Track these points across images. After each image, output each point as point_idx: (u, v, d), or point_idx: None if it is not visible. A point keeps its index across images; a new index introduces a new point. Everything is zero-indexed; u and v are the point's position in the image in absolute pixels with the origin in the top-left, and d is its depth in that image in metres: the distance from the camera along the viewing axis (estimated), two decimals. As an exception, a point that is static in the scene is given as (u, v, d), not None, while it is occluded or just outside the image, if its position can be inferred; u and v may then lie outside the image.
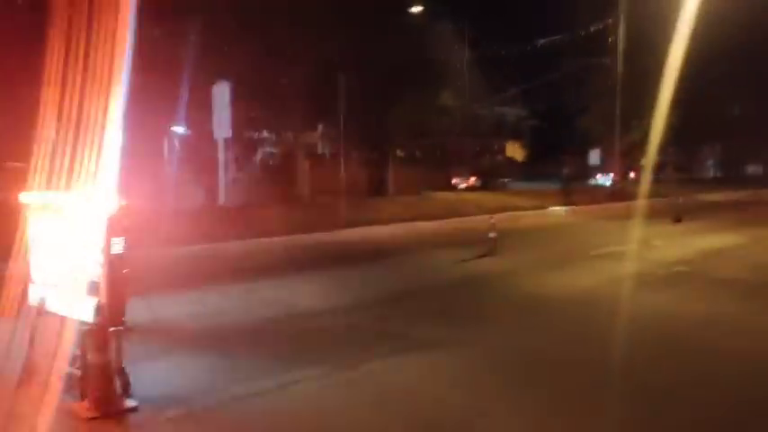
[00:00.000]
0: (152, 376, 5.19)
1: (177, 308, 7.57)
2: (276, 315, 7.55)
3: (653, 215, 17.87)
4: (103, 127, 4.65)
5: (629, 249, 12.41)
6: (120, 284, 4.79)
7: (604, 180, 35.03)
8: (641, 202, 21.15)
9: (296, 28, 19.10)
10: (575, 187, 31.01)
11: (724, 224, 17.81)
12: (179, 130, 20.12)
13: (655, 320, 7.29)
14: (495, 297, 8.66)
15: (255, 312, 7.66)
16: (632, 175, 33.30)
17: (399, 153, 26.83)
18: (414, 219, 17.31)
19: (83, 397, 4.53)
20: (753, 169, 50.29)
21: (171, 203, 17.20)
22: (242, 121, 19.40)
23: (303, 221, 15.41)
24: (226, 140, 16.21)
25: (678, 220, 17.91)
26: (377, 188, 24.22)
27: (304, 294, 8.70)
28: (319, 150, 31.14)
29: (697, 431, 4.45)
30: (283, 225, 14.64)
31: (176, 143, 19.09)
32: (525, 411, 4.72)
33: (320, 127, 25.88)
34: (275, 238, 13.38)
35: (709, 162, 49.63)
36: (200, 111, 17.88)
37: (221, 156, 16.05)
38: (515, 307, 8.08)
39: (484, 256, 11.84)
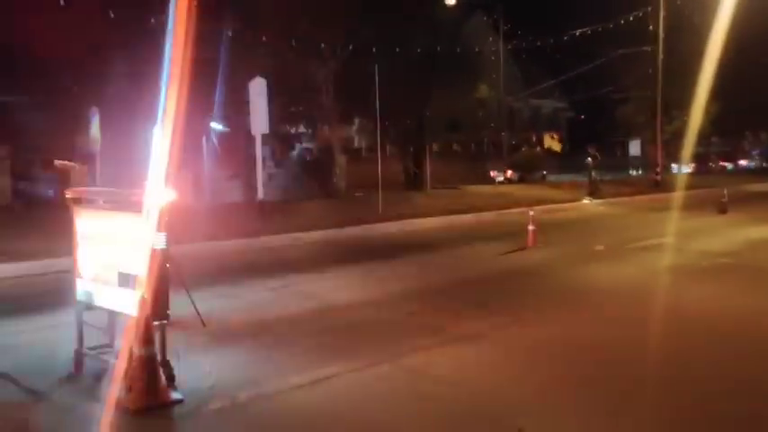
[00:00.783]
0: (195, 369, 5.27)
1: (216, 302, 7.67)
2: (313, 309, 7.59)
3: (697, 206, 17.49)
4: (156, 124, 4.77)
5: (672, 241, 12.17)
6: (163, 278, 4.89)
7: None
8: (684, 193, 20.72)
9: (330, 20, 19.17)
10: (612, 178, 30.52)
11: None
12: (217, 126, 20.40)
13: (699, 313, 7.14)
14: (534, 290, 8.58)
15: (293, 306, 7.71)
16: (674, 167, 32.58)
17: (436, 147, 26.75)
18: (451, 212, 17.25)
19: (129, 389, 4.62)
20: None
21: (210, 199, 17.49)
22: (278, 117, 19.56)
23: (340, 216, 15.50)
24: (263, 136, 16.33)
25: (723, 211, 17.48)
26: (414, 182, 24.18)
27: (341, 288, 8.74)
28: (356, 144, 31.27)
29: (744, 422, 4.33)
30: (320, 220, 14.76)
31: (214, 139, 19.35)
32: (568, 408, 4.65)
33: (356, 121, 25.97)
34: (312, 233, 13.48)
35: (755, 152, 48.33)
36: (238, 107, 18.10)
37: (259, 151, 16.18)
38: (556, 300, 7.98)
39: (523, 248, 11.74)
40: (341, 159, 22.75)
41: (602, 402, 4.73)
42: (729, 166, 44.72)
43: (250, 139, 17.25)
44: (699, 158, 26.20)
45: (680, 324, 6.56)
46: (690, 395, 4.79)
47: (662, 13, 27.70)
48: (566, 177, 33.26)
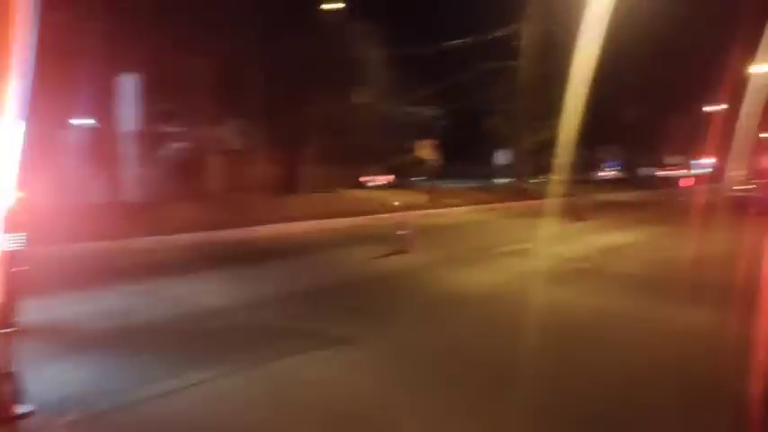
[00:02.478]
0: (50, 380, 4.94)
1: (76, 308, 7.22)
2: (181, 314, 7.33)
3: (557, 214, 18.56)
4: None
5: (535, 247, 12.85)
6: (13, 283, 4.53)
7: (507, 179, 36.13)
8: (545, 201, 21.97)
9: (206, 19, 18.64)
10: (482, 186, 31.84)
11: (620, 223, 18.78)
12: (82, 122, 19.22)
13: (556, 315, 7.58)
14: (406, 294, 8.77)
15: (159, 312, 7.41)
16: (538, 177, 34.47)
17: (312, 150, 26.65)
18: (326, 216, 17.28)
19: (-30, 403, 4.24)
20: (646, 171, 53.30)
21: (71, 199, 16.43)
22: (149, 115, 18.74)
23: (212, 218, 15.07)
24: (132, 134, 15.60)
25: (580, 218, 18.72)
26: (289, 185, 23.96)
27: (212, 293, 8.50)
28: (230, 146, 30.50)
29: (594, 422, 4.63)
30: (191, 222, 14.28)
31: (78, 136, 18.21)
32: (436, 407, 4.79)
33: (232, 122, 25.37)
34: (182, 236, 13.02)
35: (608, 164, 52.10)
36: (106, 103, 17.16)
37: (127, 150, 15.44)
38: (426, 303, 8.20)
39: (395, 253, 11.96)
40: (214, 160, 22.13)
41: (467, 401, 4.90)
42: (604, 174, 47.96)
43: (119, 136, 16.42)
44: (560, 169, 27.85)
45: (541, 326, 6.93)
46: (548, 394, 5.07)
47: (527, 31, 29.35)
48: (438, 184, 34.29)
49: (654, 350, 6.29)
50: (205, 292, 8.47)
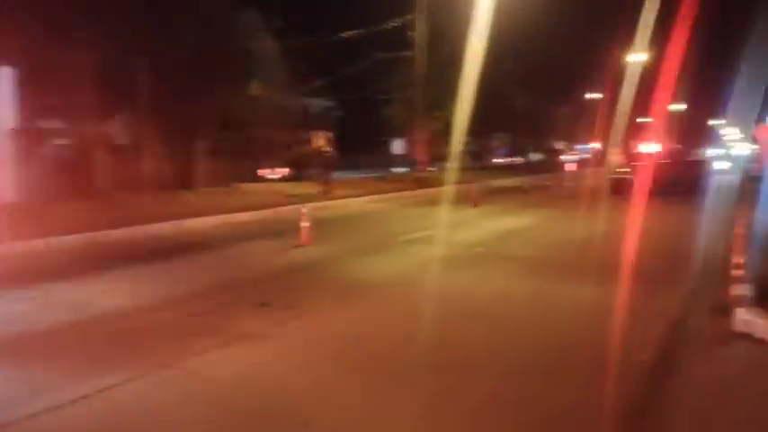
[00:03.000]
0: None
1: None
2: (77, 318, 7.00)
3: (454, 201, 19.12)
4: None
5: (434, 234, 13.19)
6: None
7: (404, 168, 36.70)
8: (442, 189, 22.55)
9: (88, 8, 17.75)
10: (379, 176, 32.20)
11: (514, 207, 19.60)
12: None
13: (461, 298, 7.88)
14: (313, 285, 8.79)
15: (52, 317, 7.04)
16: (435, 165, 35.24)
17: (206, 144, 25.97)
18: (225, 211, 16.93)
19: None
20: (535, 157, 55.72)
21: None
22: (29, 111, 17.62)
23: (103, 217, 14.41)
24: (11, 131, 14.62)
25: (476, 204, 19.36)
26: (183, 181, 23.26)
27: (109, 294, 8.17)
28: (118, 142, 29.23)
29: (495, 400, 4.87)
30: (81, 222, 13.59)
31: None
32: (348, 394, 4.88)
33: (119, 117, 24.29)
34: (72, 236, 12.39)
35: (500, 150, 54.03)
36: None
37: (6, 148, 14.46)
38: (334, 293, 8.26)
39: (299, 245, 11.93)
40: (102, 157, 21.14)
41: (379, 386, 5.03)
42: (496, 161, 49.52)
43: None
44: (457, 156, 28.69)
45: (447, 310, 7.19)
46: (457, 374, 5.28)
47: (420, 21, 29.86)
48: (336, 175, 34.36)
49: (553, 326, 6.69)
50: (104, 294, 8.14)
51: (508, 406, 4.68)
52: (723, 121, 66.43)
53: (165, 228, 14.28)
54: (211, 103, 23.79)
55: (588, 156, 50.50)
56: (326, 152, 23.29)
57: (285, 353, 5.86)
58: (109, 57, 18.86)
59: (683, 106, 56.14)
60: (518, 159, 51.06)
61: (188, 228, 14.75)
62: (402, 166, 40.56)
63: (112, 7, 18.15)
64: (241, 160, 27.71)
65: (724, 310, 6.63)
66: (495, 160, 51.67)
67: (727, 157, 49.57)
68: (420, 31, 30.02)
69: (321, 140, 35.97)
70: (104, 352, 5.87)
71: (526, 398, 4.81)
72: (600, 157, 51.93)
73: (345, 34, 32.52)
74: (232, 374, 5.27)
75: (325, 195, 21.15)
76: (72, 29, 17.80)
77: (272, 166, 31.68)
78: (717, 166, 33.95)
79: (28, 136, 19.17)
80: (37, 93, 17.78)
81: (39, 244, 11.65)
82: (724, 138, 68.49)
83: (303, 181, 29.72)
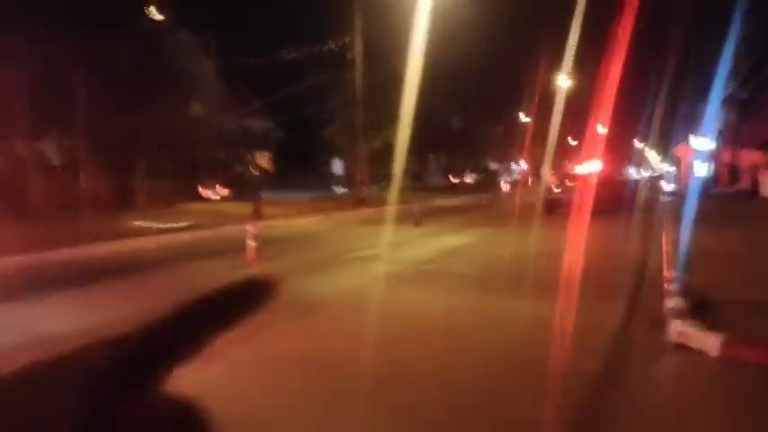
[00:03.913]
0: None
1: None
2: (21, 343, 6.77)
3: (396, 220, 19.35)
4: None
5: (380, 252, 13.35)
6: None
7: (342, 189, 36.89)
8: (384, 209, 22.80)
9: (20, 23, 17.29)
10: (319, 196, 32.23)
11: (455, 226, 19.98)
12: None
13: (410, 314, 8.03)
14: (264, 304, 8.74)
15: (-2, 341, 6.82)
16: (375, 185, 35.52)
17: (145, 164, 25.51)
18: (165, 231, 16.66)
19: None
20: (470, 178, 56.84)
21: None
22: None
23: (37, 238, 13.96)
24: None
25: (418, 223, 19.65)
26: (124, 200, 22.75)
27: (49, 318, 7.90)
28: (53, 161, 28.40)
29: (447, 413, 4.99)
30: (13, 243, 13.11)
31: None
32: (303, 413, 4.93)
33: (53, 135, 23.61)
34: (5, 258, 11.95)
35: (437, 170, 54.91)
36: None
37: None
38: (282, 311, 8.20)
39: (246, 264, 11.86)
40: (36, 177, 20.50)
41: (334, 402, 5.08)
42: (419, 184, 50.06)
43: None
44: (396, 176, 29.06)
45: (395, 326, 7.31)
46: (406, 388, 5.39)
47: (358, 43, 30.25)
48: (277, 196, 34.20)
49: (500, 339, 6.90)
50: (44, 318, 7.89)
51: (462, 418, 4.82)
52: (646, 143, 69.57)
53: (104, 249, 13.94)
54: (150, 122, 23.43)
55: (522, 176, 51.91)
56: (268, 173, 23.05)
57: (234, 372, 5.82)
58: (42, 72, 18.39)
59: (606, 129, 58.49)
60: (454, 179, 51.74)
61: (128, 247, 14.44)
62: (343, 185, 40.72)
63: (45, 22, 17.73)
64: (181, 180, 27.30)
65: (660, 322, 6.99)
66: (432, 179, 52.36)
67: (655, 177, 51.84)
68: (357, 53, 30.41)
69: (262, 160, 35.70)
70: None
71: (478, 410, 4.94)
72: (532, 177, 53.38)
73: (284, 56, 32.62)
74: (184, 394, 5.21)
75: (256, 216, 20.75)
76: (3, 42, 17.27)
77: (213, 186, 31.32)
78: (645, 184, 35.49)
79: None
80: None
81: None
82: (648, 158, 71.65)
83: (243, 201, 29.48)
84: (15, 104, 18.87)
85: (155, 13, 24.09)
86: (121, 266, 12.11)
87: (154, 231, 16.34)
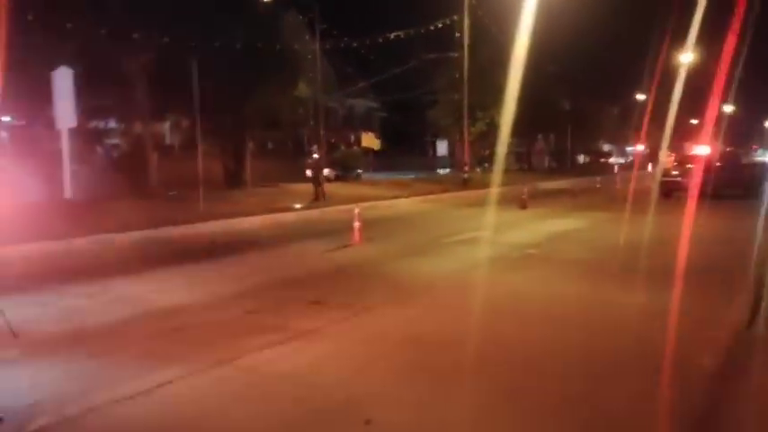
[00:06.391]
0: (11, 384, 4.76)
1: (28, 310, 6.97)
2: (137, 314, 7.14)
3: (501, 202, 18.96)
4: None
5: (484, 235, 13.09)
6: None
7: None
8: (488, 191, 22.38)
9: (143, 11, 18.18)
10: (424, 177, 32.09)
11: (563, 210, 19.31)
12: (7, 119, 18.49)
13: (517, 300, 7.78)
14: (366, 285, 8.80)
15: (114, 312, 7.21)
16: (480, 167, 35.06)
17: (253, 144, 26.36)
18: (274, 210, 17.13)
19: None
20: (581, 159, 54.92)
21: (7, 199, 15.78)
22: (85, 111, 18.13)
23: (157, 215, 14.74)
24: (69, 130, 15.06)
25: (524, 206, 19.16)
26: (233, 180, 23.64)
27: (166, 291, 8.32)
28: (168, 141, 29.92)
29: (555, 401, 4.74)
30: (135, 220, 13.92)
31: (11, 133, 17.50)
32: (408, 394, 4.83)
33: (170, 117, 24.84)
34: (128, 234, 12.69)
35: (544, 152, 53.44)
36: (36, 98, 16.51)
37: (65, 147, 14.89)
38: (387, 293, 8.25)
39: (349, 245, 11.98)
40: (154, 156, 21.65)
41: (436, 386, 4.97)
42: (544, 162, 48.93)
43: (49, 132, 15.81)
44: (505, 157, 28.48)
45: (502, 311, 7.11)
46: (511, 373, 5.21)
47: (467, 22, 29.69)
48: (380, 176, 34.48)
49: (610, 328, 6.54)
50: (162, 291, 8.30)
51: (567, 407, 4.57)
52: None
53: (215, 226, 14.52)
54: (260, 103, 24.12)
55: (637, 158, 49.53)
56: (374, 153, 23.10)
57: (342, 350, 5.86)
58: (161, 57, 19.29)
59: (733, 107, 54.64)
60: (564, 161, 50.00)
61: (239, 226, 14.96)
62: (446, 167, 40.42)
63: (165, 9, 18.53)
64: (287, 160, 28.01)
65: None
66: (541, 162, 50.93)
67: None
68: (466, 31, 29.83)
69: (367, 141, 35.99)
70: (162, 347, 5.96)
71: (584, 399, 4.68)
72: (649, 160, 50.84)
73: (389, 35, 32.53)
74: (290, 371, 5.28)
75: (318, 200, 20.45)
76: (126, 31, 18.24)
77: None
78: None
79: (85, 135, 19.74)
80: (92, 93, 18.29)
81: (95, 241, 11.96)
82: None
83: (348, 181, 29.91)
84: (137, 87, 19.95)
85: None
86: (233, 244, 12.56)
87: (262, 210, 16.83)
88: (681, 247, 9.90)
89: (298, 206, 18.58)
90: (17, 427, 4.14)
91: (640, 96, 47.49)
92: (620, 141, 56.90)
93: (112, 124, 23.14)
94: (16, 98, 14.89)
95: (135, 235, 12.71)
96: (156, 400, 4.69)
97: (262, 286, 8.63)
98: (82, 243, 11.65)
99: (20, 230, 10.75)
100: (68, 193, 14.95)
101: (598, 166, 49.32)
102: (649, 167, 49.58)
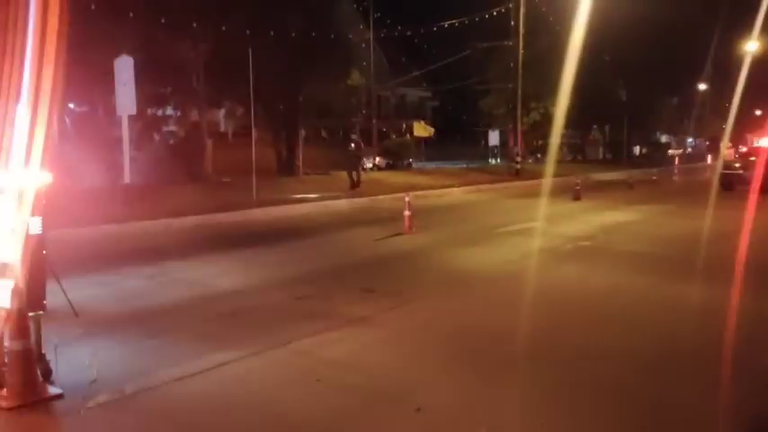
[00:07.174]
0: (74, 362, 4.94)
1: (92, 291, 7.23)
2: (195, 296, 7.34)
3: (553, 193, 18.68)
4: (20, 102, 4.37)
5: (537, 226, 12.93)
6: (39, 267, 4.54)
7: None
8: (541, 181, 22.08)
9: (200, 1, 18.52)
10: (476, 167, 31.84)
11: (617, 202, 18.88)
12: (74, 106, 19.08)
13: (567, 292, 7.68)
14: (416, 273, 8.81)
15: (173, 294, 7.42)
16: (532, 157, 34.61)
17: (305, 132, 26.59)
18: (325, 198, 17.28)
19: (1, 386, 4.26)
20: (637, 151, 53.57)
21: (71, 183, 16.35)
22: (144, 98, 18.61)
23: (213, 201, 15.06)
24: (129, 117, 15.50)
25: (577, 197, 18.82)
26: (286, 167, 23.93)
27: (223, 275, 8.50)
28: (222, 128, 30.50)
29: (605, 395, 4.68)
30: (192, 205, 14.27)
31: (68, 120, 18.10)
32: (459, 383, 4.84)
33: (226, 105, 25.26)
34: (185, 218, 13.02)
35: (599, 143, 52.27)
36: (99, 86, 17.02)
37: (125, 133, 15.34)
38: (437, 283, 8.25)
39: (400, 233, 12.00)
40: (209, 143, 22.08)
41: (486, 376, 4.97)
42: (579, 156, 47.99)
43: (109, 119, 16.29)
44: (558, 148, 28.02)
45: (554, 302, 7.03)
46: (562, 366, 5.15)
47: (522, 10, 29.23)
48: (431, 165, 34.37)
49: (666, 324, 6.39)
50: (217, 275, 8.49)
51: (619, 402, 4.51)
52: None
53: (269, 212, 14.76)
54: (313, 92, 24.30)
55: (697, 150, 48.07)
56: (426, 142, 22.95)
57: (392, 338, 5.90)
58: (218, 47, 19.61)
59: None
60: (620, 152, 48.77)
61: (291, 213, 15.16)
62: (498, 157, 39.98)
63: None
64: (338, 148, 28.15)
65: None
66: (596, 153, 49.87)
67: None
68: (520, 20, 29.37)
69: (419, 130, 35.78)
70: (220, 329, 6.11)
71: (637, 395, 4.61)
72: (710, 152, 49.24)
73: (442, 24, 32.27)
74: (342, 357, 5.35)
75: (429, 184, 20.59)
76: (184, 20, 18.59)
77: (370, 155, 32.01)
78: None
79: (143, 122, 20.27)
80: (151, 81, 18.75)
81: (155, 224, 12.30)
82: None
83: (400, 170, 29.91)
84: (193, 77, 20.34)
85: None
86: (286, 230, 12.74)
87: (314, 198, 17.00)
88: (742, 242, 9.60)
89: (341, 195, 18.58)
90: (78, 403, 4.30)
91: (701, 86, 46.01)
92: (679, 132, 55.29)
93: (170, 112, 23.66)
94: (79, 86, 15.39)
95: (191, 219, 13.01)
96: (212, 381, 4.82)
97: (313, 272, 8.74)
98: (141, 227, 12.00)
99: (81, 214, 11.15)
100: (127, 178, 15.40)
101: (655, 158, 48.00)
102: (708, 159, 48.09)
